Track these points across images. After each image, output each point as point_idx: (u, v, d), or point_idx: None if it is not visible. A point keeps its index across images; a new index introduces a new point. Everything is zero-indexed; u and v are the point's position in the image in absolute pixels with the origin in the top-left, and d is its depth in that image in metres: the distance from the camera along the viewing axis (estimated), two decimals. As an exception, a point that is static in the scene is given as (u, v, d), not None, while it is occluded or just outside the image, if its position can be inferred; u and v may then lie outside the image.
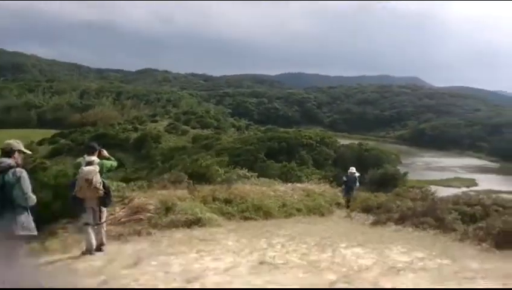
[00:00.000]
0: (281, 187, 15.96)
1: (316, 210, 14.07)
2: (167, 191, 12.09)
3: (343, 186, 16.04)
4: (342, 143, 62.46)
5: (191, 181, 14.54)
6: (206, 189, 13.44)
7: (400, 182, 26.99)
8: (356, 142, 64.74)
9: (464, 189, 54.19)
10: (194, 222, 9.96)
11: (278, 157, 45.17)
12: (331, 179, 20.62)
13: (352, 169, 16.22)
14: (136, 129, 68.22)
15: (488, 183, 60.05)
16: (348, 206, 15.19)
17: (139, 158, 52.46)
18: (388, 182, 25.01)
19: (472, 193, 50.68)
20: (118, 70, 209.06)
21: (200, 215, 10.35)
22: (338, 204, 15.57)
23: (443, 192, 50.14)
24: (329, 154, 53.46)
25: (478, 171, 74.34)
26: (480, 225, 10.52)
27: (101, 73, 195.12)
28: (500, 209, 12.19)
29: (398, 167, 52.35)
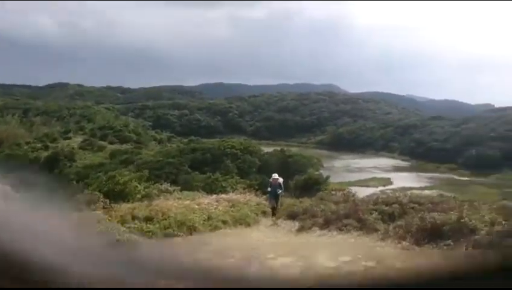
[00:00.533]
0: (205, 199, 15.47)
1: (242, 221, 13.72)
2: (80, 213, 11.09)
3: (268, 194, 15.84)
4: (265, 151, 63.19)
5: (107, 200, 13.58)
6: (124, 207, 12.60)
7: (323, 185, 27.64)
8: (279, 148, 65.81)
9: (381, 188, 57.47)
10: (113, 245, 9.15)
11: (202, 169, 44.51)
12: (256, 187, 20.44)
13: (275, 175, 16.12)
14: (46, 147, 63.51)
15: (402, 181, 64.22)
16: (274, 214, 15.01)
17: (52, 179, 48.76)
18: (312, 186, 25.49)
19: (389, 192, 53.62)
20: (24, 86, 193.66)
21: (118, 237, 9.56)
22: (264, 213, 15.34)
23: (363, 192, 52.69)
24: (253, 162, 53.73)
25: (392, 170, 79.28)
26: (399, 223, 10.88)
27: (5, 89, 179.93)
28: (416, 206, 12.74)
29: (321, 171, 54.05)
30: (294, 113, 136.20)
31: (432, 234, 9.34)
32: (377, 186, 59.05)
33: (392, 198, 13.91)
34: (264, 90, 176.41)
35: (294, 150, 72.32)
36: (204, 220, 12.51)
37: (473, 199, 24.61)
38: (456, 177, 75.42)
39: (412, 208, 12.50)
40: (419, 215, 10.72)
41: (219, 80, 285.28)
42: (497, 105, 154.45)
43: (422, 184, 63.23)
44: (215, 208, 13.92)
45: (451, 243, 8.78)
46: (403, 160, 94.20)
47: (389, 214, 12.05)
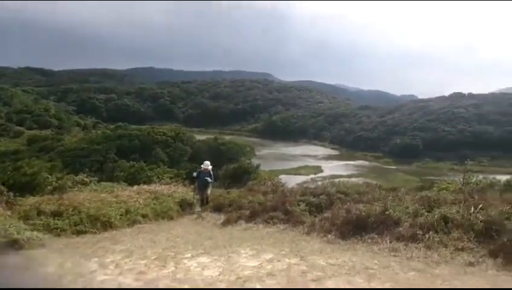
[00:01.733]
0: (125, 192, 14.31)
1: (164, 214, 12.84)
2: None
3: (196, 184, 14.89)
4: (198, 138, 61.96)
5: (12, 193, 12.06)
6: (30, 201, 11.23)
7: (254, 175, 27.19)
8: (212, 136, 64.88)
9: (312, 176, 58.79)
10: (9, 245, 7.99)
11: (130, 156, 42.48)
12: (185, 176, 19.49)
13: (206, 163, 15.10)
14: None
15: (332, 169, 66.15)
16: (201, 205, 14.23)
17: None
18: (242, 176, 24.91)
19: (319, 180, 54.76)
20: None
21: (16, 235, 8.38)
22: (190, 205, 14.50)
23: (294, 180, 53.46)
24: (185, 150, 52.42)
25: (323, 158, 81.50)
26: (326, 215, 10.61)
27: None
28: (343, 196, 12.59)
29: (254, 159, 54.07)
30: (228, 100, 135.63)
31: (357, 227, 9.12)
32: (308, 175, 60.18)
33: (320, 189, 13.74)
34: (198, 77, 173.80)
35: (228, 138, 71.76)
36: (121, 215, 11.50)
37: (396, 186, 25.74)
38: (381, 165, 79.09)
39: (339, 198, 12.34)
40: (345, 206, 10.55)
41: (150, 65, 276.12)
42: (420, 97, 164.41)
43: (350, 172, 65.50)
44: (135, 201, 12.88)
45: (376, 236, 8.59)
46: (333, 148, 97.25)
47: (316, 205, 11.78)
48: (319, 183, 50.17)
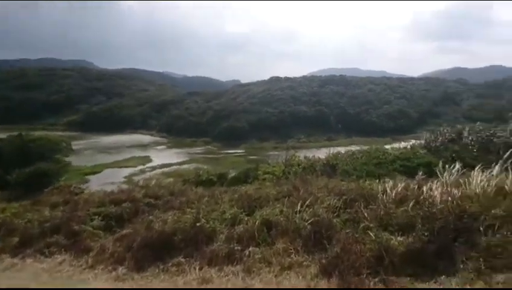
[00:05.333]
0: None
1: None
2: None
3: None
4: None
5: None
6: None
7: (56, 178, 22.59)
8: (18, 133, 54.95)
9: (141, 167, 54.98)
10: None
11: None
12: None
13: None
14: None
15: (161, 158, 63.31)
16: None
17: None
18: (41, 181, 20.27)
19: (148, 170, 51.05)
20: None
21: None
22: None
23: (121, 173, 48.93)
24: (-22, 153, 42.78)
25: (151, 148, 77.81)
26: (127, 231, 7.96)
27: None
28: (152, 201, 10.17)
29: (73, 156, 48.06)
30: (38, 91, 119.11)
31: (159, 249, 6.74)
32: (136, 166, 56.15)
33: (126, 194, 11.01)
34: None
35: (39, 134, 62.10)
36: None
37: (225, 171, 24.74)
38: (211, 148, 79.42)
39: (148, 205, 9.91)
40: (149, 218, 8.12)
41: None
42: (242, 81, 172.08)
43: (181, 159, 63.70)
44: None
45: (183, 260, 6.34)
46: (161, 137, 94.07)
47: (117, 217, 9.10)
48: (148, 174, 47.08)
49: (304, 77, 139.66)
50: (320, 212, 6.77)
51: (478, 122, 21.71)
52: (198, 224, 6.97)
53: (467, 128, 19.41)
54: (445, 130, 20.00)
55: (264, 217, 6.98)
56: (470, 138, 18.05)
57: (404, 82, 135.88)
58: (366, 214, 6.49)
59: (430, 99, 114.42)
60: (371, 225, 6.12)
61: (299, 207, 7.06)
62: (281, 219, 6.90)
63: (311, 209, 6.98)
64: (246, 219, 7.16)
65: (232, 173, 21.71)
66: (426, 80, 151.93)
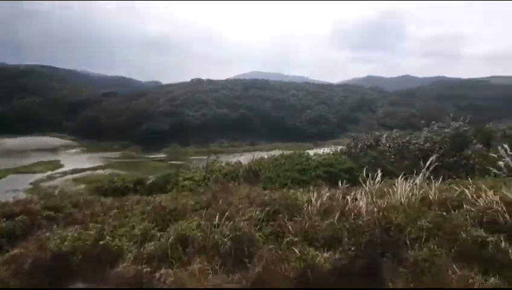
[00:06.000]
0: None
1: None
2: None
3: None
4: None
5: None
6: None
7: None
8: None
9: (49, 173, 50.92)
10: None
11: None
12: None
13: None
14: None
15: (74, 162, 59.25)
16: None
17: None
18: None
19: (58, 176, 47.38)
20: None
21: None
22: None
23: (27, 179, 44.79)
24: None
25: (63, 152, 72.75)
26: (17, 251, 6.74)
27: None
28: (52, 214, 8.94)
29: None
30: None
31: (54, 274, 5.71)
32: (44, 172, 51.93)
33: (20, 204, 9.59)
34: None
35: None
36: None
37: (144, 176, 23.43)
38: (129, 153, 76.10)
39: (46, 217, 8.71)
40: (47, 233, 6.97)
41: None
42: (163, 82, 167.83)
43: (96, 164, 60.09)
44: None
45: (81, 286, 5.41)
46: (74, 140, 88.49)
47: (9, 233, 7.85)
48: (57, 181, 43.62)
49: (228, 80, 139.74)
50: (241, 225, 6.19)
51: (395, 130, 22.76)
52: (102, 242, 6.04)
53: (385, 135, 20.19)
54: (364, 137, 20.65)
55: (180, 232, 6.22)
56: (387, 145, 18.76)
57: (324, 88, 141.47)
58: (290, 227, 6.04)
59: (348, 105, 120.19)
60: (296, 240, 5.66)
61: (217, 220, 6.41)
62: (198, 233, 6.20)
63: (231, 222, 6.37)
64: (158, 234, 6.36)
65: (151, 179, 20.50)
66: (345, 86, 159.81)
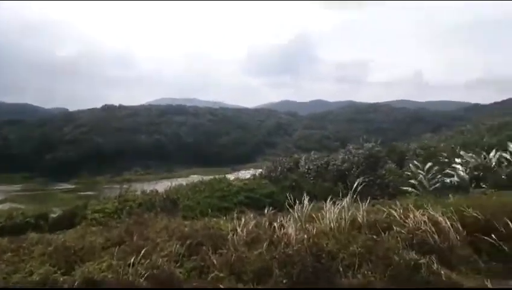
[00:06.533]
0: None
1: None
2: None
3: None
4: None
5: None
6: None
7: None
8: None
9: None
10: None
11: None
12: None
13: None
14: None
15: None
16: None
17: None
18: None
19: None
20: None
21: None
22: None
23: None
24: None
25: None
26: None
27: None
28: None
29: None
30: None
31: None
32: None
33: None
34: None
35: None
36: None
37: (49, 208, 21.18)
38: (32, 185, 69.98)
39: None
40: None
41: None
42: (71, 109, 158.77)
43: (-6, 198, 54.14)
44: None
45: None
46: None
47: None
48: None
49: (142, 106, 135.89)
50: (159, 262, 5.52)
51: (313, 152, 23.23)
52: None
53: (303, 157, 20.46)
54: (283, 160, 20.77)
55: (87, 275, 5.38)
56: (307, 167, 19.00)
57: (240, 113, 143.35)
58: (215, 261, 5.49)
59: (265, 129, 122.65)
60: (222, 275, 5.13)
61: (132, 258, 5.67)
62: (110, 275, 5.41)
63: (148, 260, 5.66)
64: (61, 279, 5.44)
65: (56, 213, 18.52)
66: (261, 111, 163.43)
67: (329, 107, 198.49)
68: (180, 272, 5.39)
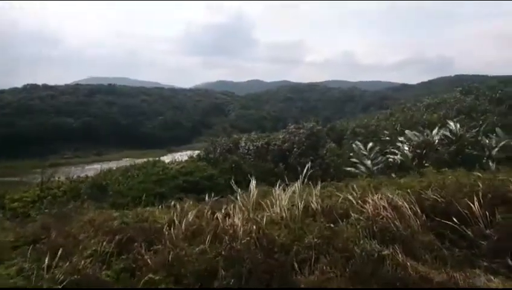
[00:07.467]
0: None
1: None
2: None
3: None
4: None
5: None
6: None
7: None
8: None
9: None
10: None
11: None
12: None
13: None
14: None
15: None
16: None
17: None
18: None
19: None
20: None
21: None
22: None
23: None
24: None
25: None
26: None
27: None
28: None
29: None
30: None
31: None
32: None
33: None
34: None
35: None
36: None
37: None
38: None
39: None
40: None
41: None
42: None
43: None
44: None
45: None
46: None
47: None
48: None
49: (68, 86, 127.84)
50: (82, 264, 4.61)
51: (253, 132, 22.65)
52: None
53: (244, 138, 19.79)
54: (222, 140, 19.97)
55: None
56: (247, 148, 18.36)
57: (176, 93, 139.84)
58: (149, 260, 4.68)
59: (201, 109, 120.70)
60: (158, 278, 4.34)
61: (48, 260, 4.70)
62: (20, 282, 4.44)
63: (68, 262, 4.72)
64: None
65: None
66: (197, 91, 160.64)
67: (266, 87, 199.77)
68: (108, 275, 4.53)
